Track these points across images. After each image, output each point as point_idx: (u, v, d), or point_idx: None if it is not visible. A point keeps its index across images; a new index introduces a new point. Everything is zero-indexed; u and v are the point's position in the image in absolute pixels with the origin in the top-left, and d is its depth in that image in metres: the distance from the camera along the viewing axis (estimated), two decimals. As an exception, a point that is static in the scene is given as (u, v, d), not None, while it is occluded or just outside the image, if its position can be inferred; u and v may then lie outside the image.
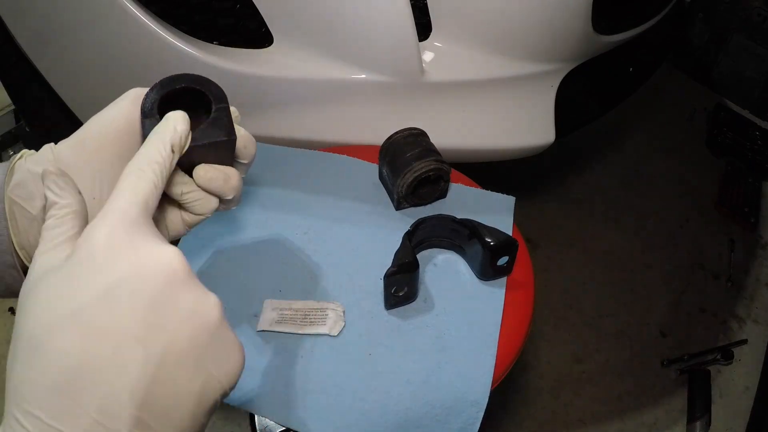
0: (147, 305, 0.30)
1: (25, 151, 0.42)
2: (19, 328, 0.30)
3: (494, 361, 0.59)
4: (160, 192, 0.35)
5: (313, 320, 0.61)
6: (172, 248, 0.32)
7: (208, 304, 0.32)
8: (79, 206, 0.36)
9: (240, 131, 0.44)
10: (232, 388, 0.33)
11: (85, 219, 0.36)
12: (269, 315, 0.61)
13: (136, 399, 0.28)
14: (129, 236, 0.31)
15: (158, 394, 0.29)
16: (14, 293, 0.40)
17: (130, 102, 0.41)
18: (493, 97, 0.87)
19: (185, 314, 0.31)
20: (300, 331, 0.60)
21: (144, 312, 0.30)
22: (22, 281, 0.39)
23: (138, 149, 0.37)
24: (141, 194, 0.33)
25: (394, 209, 0.73)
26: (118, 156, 0.41)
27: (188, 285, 0.32)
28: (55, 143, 0.42)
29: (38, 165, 0.40)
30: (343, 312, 0.61)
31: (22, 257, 0.41)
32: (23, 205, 0.40)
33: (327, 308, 0.61)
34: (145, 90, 0.41)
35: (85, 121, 0.43)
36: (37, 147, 0.43)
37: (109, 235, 0.31)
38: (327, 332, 0.60)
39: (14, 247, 0.40)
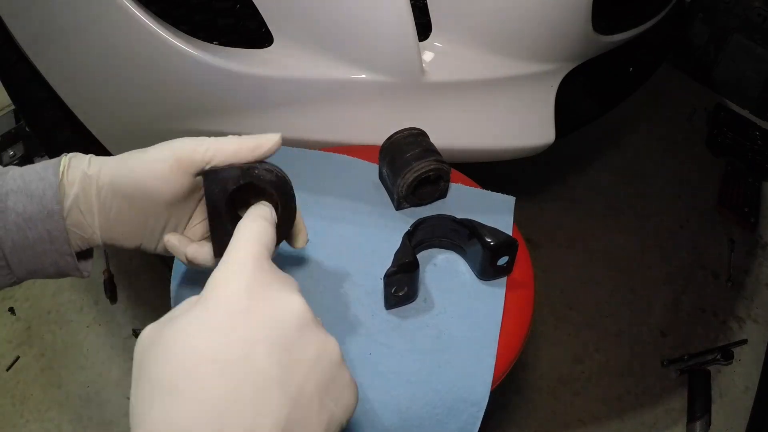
0: (282, 350, 0.32)
1: (65, 158, 0.45)
2: (149, 370, 0.31)
3: (494, 361, 0.59)
4: (274, 239, 0.40)
5: None
6: (299, 296, 0.36)
7: (330, 346, 0.35)
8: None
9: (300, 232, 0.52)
10: (349, 419, 0.36)
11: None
12: None
13: None
14: (262, 286, 0.35)
15: (292, 430, 0.31)
16: (63, 275, 0.47)
17: (169, 169, 0.44)
18: (493, 97, 0.87)
19: (313, 357, 0.34)
20: None
21: (279, 356, 0.32)
22: (75, 266, 0.45)
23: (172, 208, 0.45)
24: (264, 240, 0.38)
25: (394, 209, 0.73)
26: (152, 206, 0.45)
27: (314, 330, 0.35)
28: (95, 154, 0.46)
29: (84, 195, 0.44)
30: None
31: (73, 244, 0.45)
32: (76, 230, 0.45)
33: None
34: (185, 147, 0.45)
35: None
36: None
37: (247, 284, 0.34)
38: None
39: (71, 241, 0.44)
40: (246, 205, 0.44)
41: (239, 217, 0.42)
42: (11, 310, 1.27)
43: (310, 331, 0.35)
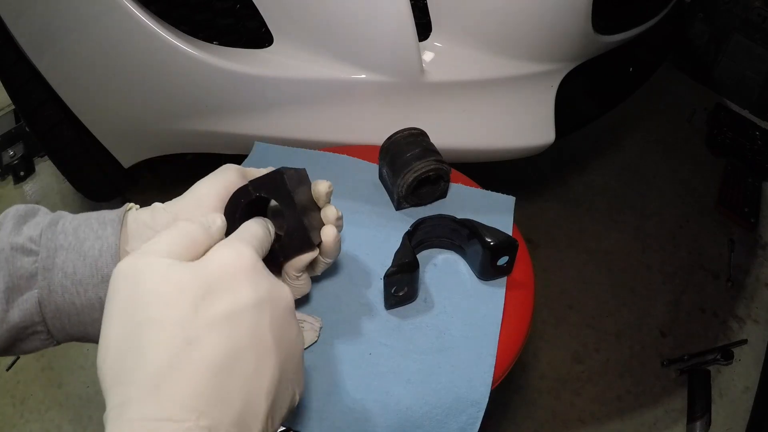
0: (279, 323, 0.34)
1: (131, 205, 0.45)
2: (151, 320, 0.30)
3: (494, 361, 0.59)
4: (267, 245, 0.41)
5: None
6: (285, 285, 0.37)
7: (302, 334, 0.38)
8: (218, 234, 0.39)
9: (329, 235, 0.51)
10: (301, 397, 0.39)
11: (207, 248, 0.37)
12: None
13: (269, 400, 0.32)
14: (262, 265, 0.36)
15: (278, 397, 0.33)
16: None
17: (224, 185, 0.46)
18: (493, 97, 0.87)
19: (294, 336, 0.36)
20: None
21: (277, 328, 0.34)
22: None
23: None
24: (260, 237, 0.40)
25: (394, 209, 0.73)
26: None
27: (294, 316, 0.37)
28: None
29: (154, 219, 0.43)
30: (320, 327, 0.61)
31: None
32: None
33: (305, 320, 0.61)
34: (237, 168, 0.48)
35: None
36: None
37: (253, 257, 0.35)
38: None
39: None
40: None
41: None
42: (11, 310, 1.27)
43: (294, 319, 0.37)
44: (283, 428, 0.55)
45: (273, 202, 0.50)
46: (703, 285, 1.31)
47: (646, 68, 1.12)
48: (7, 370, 1.17)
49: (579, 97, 0.99)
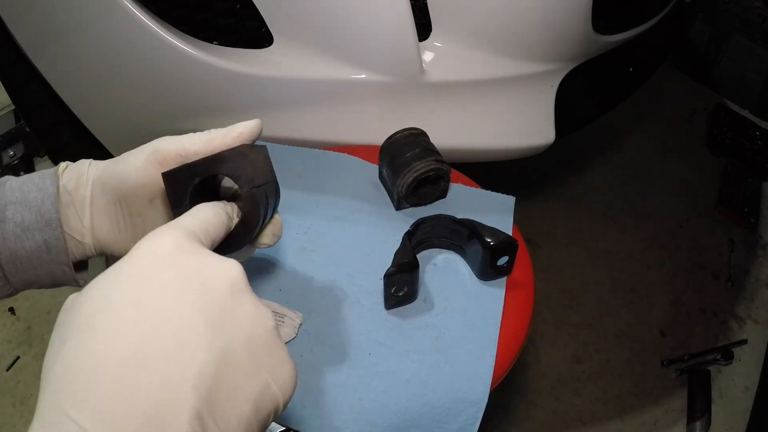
0: (211, 305, 0.31)
1: (63, 165, 0.46)
2: (64, 320, 0.29)
3: (494, 361, 0.59)
4: (222, 229, 0.38)
5: None
6: (234, 261, 0.33)
7: (264, 313, 0.33)
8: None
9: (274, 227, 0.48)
10: (287, 403, 0.33)
11: None
12: None
13: (199, 393, 0.28)
14: (194, 246, 0.33)
15: (218, 391, 0.29)
16: (59, 285, 0.46)
17: (144, 161, 0.44)
18: (493, 97, 0.87)
19: (244, 319, 0.32)
20: None
21: (208, 311, 0.30)
22: (72, 276, 0.44)
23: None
24: (206, 221, 0.37)
25: (394, 209, 0.73)
26: (135, 202, 0.45)
27: (247, 294, 0.33)
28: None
29: (77, 194, 0.44)
30: (299, 324, 0.61)
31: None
32: (72, 234, 0.45)
33: (285, 315, 0.61)
34: (162, 145, 0.44)
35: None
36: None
37: (177, 240, 0.33)
38: None
39: (68, 250, 0.44)
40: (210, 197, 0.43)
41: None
42: (11, 310, 1.27)
43: (242, 294, 0.33)
44: (283, 428, 0.56)
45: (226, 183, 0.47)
46: (703, 285, 1.31)
47: (646, 68, 1.12)
48: (7, 370, 1.17)
49: (579, 97, 0.99)
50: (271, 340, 0.32)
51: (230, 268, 0.33)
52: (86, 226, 0.45)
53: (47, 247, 0.43)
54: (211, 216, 0.38)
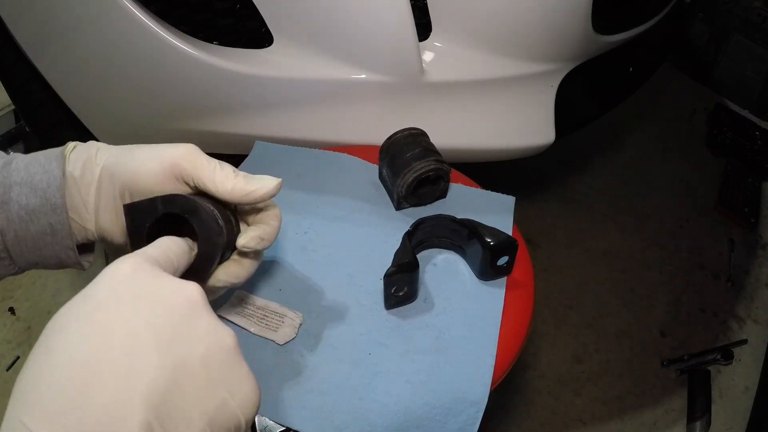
0: (165, 322, 0.31)
1: (70, 145, 0.46)
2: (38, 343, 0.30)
3: (494, 361, 0.59)
4: (183, 260, 0.39)
5: (268, 323, 0.60)
6: (193, 283, 0.34)
7: (224, 332, 0.33)
8: None
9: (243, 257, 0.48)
10: (249, 421, 0.33)
11: None
12: (234, 303, 0.62)
13: (149, 404, 0.28)
14: (153, 269, 0.34)
15: (171, 405, 0.29)
16: (63, 267, 0.47)
17: (161, 171, 0.44)
18: (493, 97, 0.87)
19: (200, 336, 0.32)
20: (251, 329, 0.60)
21: (161, 327, 0.31)
22: (76, 259, 0.45)
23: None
24: (168, 250, 0.37)
25: (394, 209, 0.73)
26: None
27: (205, 313, 0.33)
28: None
29: (83, 179, 0.44)
30: (299, 324, 0.60)
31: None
32: (74, 217, 0.45)
33: (285, 315, 0.61)
34: (188, 157, 0.44)
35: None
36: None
37: (137, 263, 0.33)
38: (274, 339, 0.59)
39: (73, 234, 0.45)
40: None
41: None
42: (11, 310, 1.27)
43: (201, 312, 0.33)
44: (283, 428, 0.56)
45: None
46: (703, 285, 1.31)
47: (646, 68, 1.12)
48: (7, 370, 1.17)
49: (579, 97, 0.99)
50: (229, 358, 0.33)
51: (187, 288, 0.33)
52: (90, 212, 0.45)
53: (52, 230, 0.44)
54: (172, 246, 0.38)
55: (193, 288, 0.34)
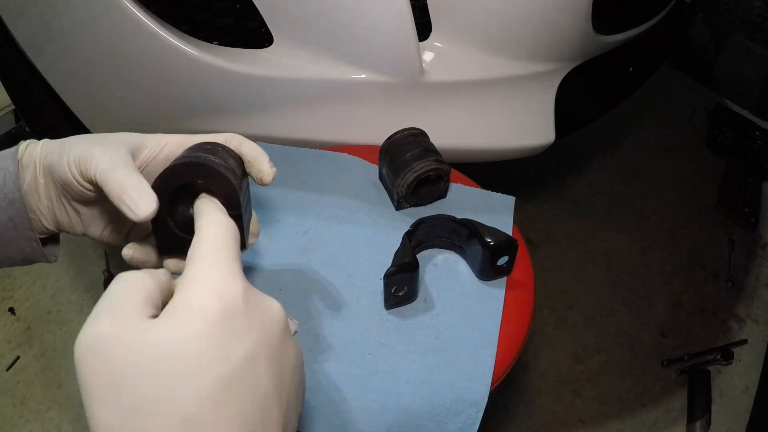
0: (276, 363, 0.31)
1: (24, 144, 0.45)
2: (141, 401, 0.26)
3: (494, 361, 0.59)
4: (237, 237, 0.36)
5: None
6: (275, 300, 0.33)
7: (298, 350, 0.34)
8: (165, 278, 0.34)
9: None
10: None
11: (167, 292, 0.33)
12: None
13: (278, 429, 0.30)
14: (250, 290, 0.31)
15: (270, 416, 0.30)
16: (30, 262, 0.47)
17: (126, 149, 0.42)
18: (493, 97, 0.87)
19: (293, 364, 0.33)
20: None
21: (275, 369, 0.30)
22: (41, 252, 0.45)
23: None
24: (235, 236, 0.35)
25: (394, 209, 0.73)
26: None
27: (290, 334, 0.34)
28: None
29: (27, 168, 0.44)
30: (294, 332, 0.60)
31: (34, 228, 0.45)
32: (34, 216, 0.44)
33: None
34: (132, 138, 0.43)
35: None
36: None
37: (241, 288, 0.30)
38: None
39: (34, 227, 0.45)
40: (188, 197, 0.41)
41: (180, 211, 0.41)
42: (11, 310, 1.27)
43: (289, 337, 0.33)
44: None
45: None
46: (703, 285, 1.31)
47: (646, 68, 1.12)
48: (7, 370, 1.17)
49: (579, 97, 0.99)
50: (302, 369, 0.35)
51: (276, 307, 0.33)
52: (42, 210, 0.45)
53: (13, 225, 0.44)
54: (234, 226, 0.36)
55: (277, 304, 0.33)
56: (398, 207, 0.73)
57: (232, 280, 0.30)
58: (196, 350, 0.27)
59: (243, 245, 0.42)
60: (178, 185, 0.39)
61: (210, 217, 0.36)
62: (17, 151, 0.45)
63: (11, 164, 0.44)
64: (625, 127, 1.64)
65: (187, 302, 0.29)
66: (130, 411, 0.26)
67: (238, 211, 0.40)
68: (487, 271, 0.64)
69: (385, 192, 0.75)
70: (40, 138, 0.46)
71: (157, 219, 0.39)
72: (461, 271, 0.67)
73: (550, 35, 0.86)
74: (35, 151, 0.44)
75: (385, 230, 0.70)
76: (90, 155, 0.40)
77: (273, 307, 0.32)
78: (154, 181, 0.39)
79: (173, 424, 0.26)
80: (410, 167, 0.68)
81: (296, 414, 0.33)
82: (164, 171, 0.39)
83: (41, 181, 0.44)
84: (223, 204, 0.39)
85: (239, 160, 0.46)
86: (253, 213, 0.47)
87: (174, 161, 0.41)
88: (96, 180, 0.39)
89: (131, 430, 0.26)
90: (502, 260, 0.63)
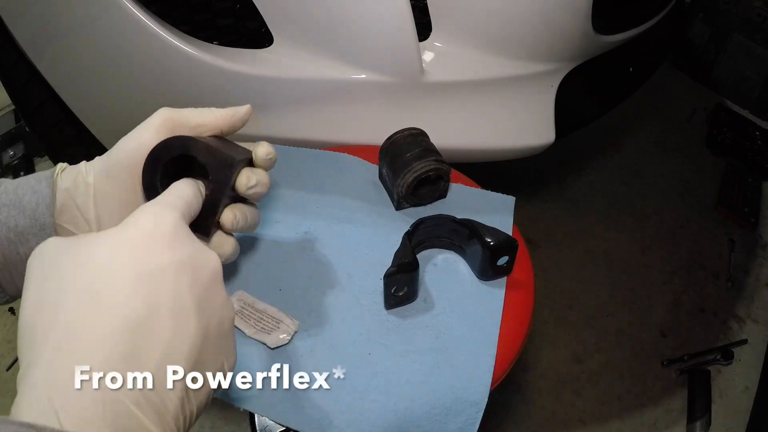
0: (201, 289, 0.34)
1: (61, 165, 0.45)
2: (58, 277, 0.31)
3: (494, 361, 0.59)
4: (197, 210, 0.40)
5: (264, 326, 0.60)
6: (214, 252, 0.37)
7: (231, 305, 0.37)
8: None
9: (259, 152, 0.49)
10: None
11: None
12: (234, 304, 0.62)
13: (188, 363, 0.32)
14: (186, 231, 0.36)
15: (200, 364, 0.33)
16: None
17: (155, 132, 0.44)
18: (493, 97, 0.87)
19: (220, 303, 0.36)
20: (246, 331, 0.60)
21: (198, 293, 0.34)
22: None
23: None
24: (190, 204, 0.39)
25: (394, 209, 0.73)
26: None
27: (222, 284, 0.37)
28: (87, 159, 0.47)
29: (77, 189, 0.44)
30: (294, 332, 0.60)
31: None
32: (70, 228, 0.44)
33: (282, 321, 0.60)
34: (172, 113, 0.46)
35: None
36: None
37: (176, 222, 0.35)
38: (266, 342, 0.59)
39: None
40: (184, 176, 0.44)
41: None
42: (11, 310, 1.27)
43: (221, 285, 0.36)
44: (283, 428, 0.56)
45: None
46: (703, 285, 1.31)
47: (646, 68, 1.12)
48: (7, 370, 1.17)
49: (579, 97, 0.99)
50: (232, 329, 0.37)
51: (213, 258, 0.36)
52: (91, 220, 0.44)
53: None
54: (191, 197, 0.40)
55: (216, 258, 0.36)
56: (398, 207, 0.73)
57: (170, 215, 0.35)
58: (123, 247, 0.32)
59: (212, 223, 0.45)
60: (173, 156, 0.43)
61: (176, 184, 0.40)
62: (53, 174, 0.44)
63: (45, 187, 0.43)
64: (625, 127, 1.64)
65: (129, 220, 0.34)
66: (51, 292, 0.31)
67: (217, 192, 0.43)
68: (487, 271, 0.64)
69: (385, 192, 0.75)
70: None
71: (153, 192, 0.42)
72: (461, 271, 0.67)
73: (550, 35, 0.86)
74: (81, 168, 0.44)
75: (385, 230, 0.70)
76: (184, 111, 0.45)
77: (208, 253, 0.36)
78: (149, 153, 0.43)
79: (85, 301, 0.30)
80: (410, 167, 0.68)
81: (217, 364, 0.35)
82: (158, 143, 0.43)
83: (98, 188, 0.44)
84: (209, 180, 0.43)
85: (245, 153, 0.49)
86: (256, 205, 0.51)
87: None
88: (197, 125, 0.45)
89: (42, 304, 0.31)
90: (502, 260, 0.63)
